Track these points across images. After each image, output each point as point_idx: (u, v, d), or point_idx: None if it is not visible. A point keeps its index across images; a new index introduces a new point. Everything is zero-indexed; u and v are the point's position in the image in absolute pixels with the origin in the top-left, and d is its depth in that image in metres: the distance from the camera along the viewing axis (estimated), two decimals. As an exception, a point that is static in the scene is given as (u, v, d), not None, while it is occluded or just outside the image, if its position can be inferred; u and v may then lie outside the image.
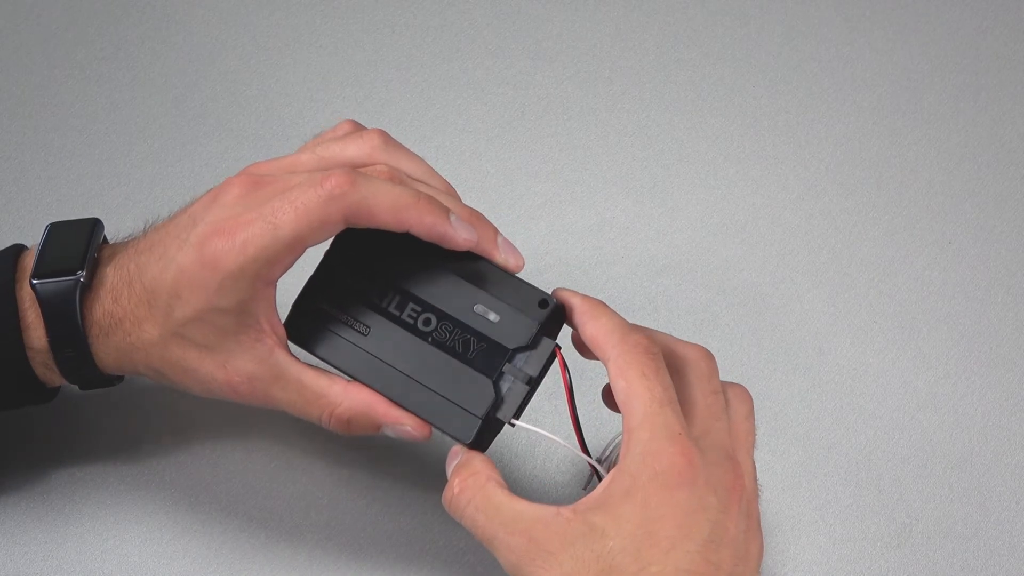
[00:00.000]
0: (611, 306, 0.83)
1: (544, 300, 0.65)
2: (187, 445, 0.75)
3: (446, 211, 0.65)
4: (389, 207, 0.64)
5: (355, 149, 0.67)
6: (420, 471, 0.74)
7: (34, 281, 0.66)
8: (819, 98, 0.92)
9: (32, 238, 0.70)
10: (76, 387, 0.70)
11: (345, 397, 0.65)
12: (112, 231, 0.70)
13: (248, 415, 0.73)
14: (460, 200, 0.68)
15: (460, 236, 0.65)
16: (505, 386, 0.65)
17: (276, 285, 0.65)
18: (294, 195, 0.63)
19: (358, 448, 0.75)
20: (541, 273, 0.81)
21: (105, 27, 0.95)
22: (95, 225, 0.69)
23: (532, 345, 0.65)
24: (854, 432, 0.76)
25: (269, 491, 0.74)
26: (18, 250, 0.69)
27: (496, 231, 0.67)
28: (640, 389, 0.62)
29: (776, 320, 0.81)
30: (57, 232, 0.68)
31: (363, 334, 0.66)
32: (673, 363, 0.65)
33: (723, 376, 0.67)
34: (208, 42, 0.94)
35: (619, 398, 0.63)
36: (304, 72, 0.93)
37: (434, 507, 0.70)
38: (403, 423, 0.65)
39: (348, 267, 0.67)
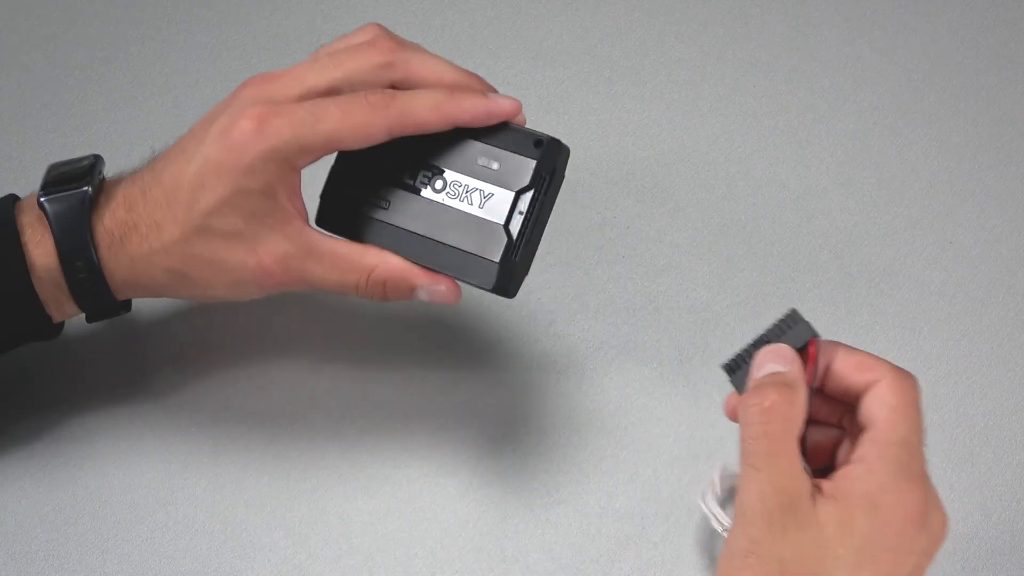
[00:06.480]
0: (612, 306, 0.83)
1: (539, 140, 0.67)
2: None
3: (481, 91, 0.68)
4: (431, 108, 0.66)
5: (369, 57, 0.68)
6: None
7: (41, 198, 0.68)
8: (819, 98, 0.91)
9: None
10: (77, 331, 0.70)
11: (381, 260, 0.68)
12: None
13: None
14: (478, 77, 0.70)
15: (505, 107, 0.67)
16: (515, 227, 0.67)
17: (300, 173, 0.67)
18: (341, 100, 0.66)
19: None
20: (543, 272, 0.81)
21: (105, 27, 0.95)
22: (97, 157, 0.71)
23: (532, 184, 0.67)
24: (854, 432, 0.76)
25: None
26: (14, 197, 0.71)
27: (489, 86, 0.70)
28: (913, 416, 0.60)
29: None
30: (59, 165, 0.71)
31: (384, 208, 0.69)
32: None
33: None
34: (208, 42, 0.94)
35: (879, 409, 0.60)
36: (304, 72, 0.93)
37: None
38: (438, 282, 0.68)
39: (364, 150, 0.68)
